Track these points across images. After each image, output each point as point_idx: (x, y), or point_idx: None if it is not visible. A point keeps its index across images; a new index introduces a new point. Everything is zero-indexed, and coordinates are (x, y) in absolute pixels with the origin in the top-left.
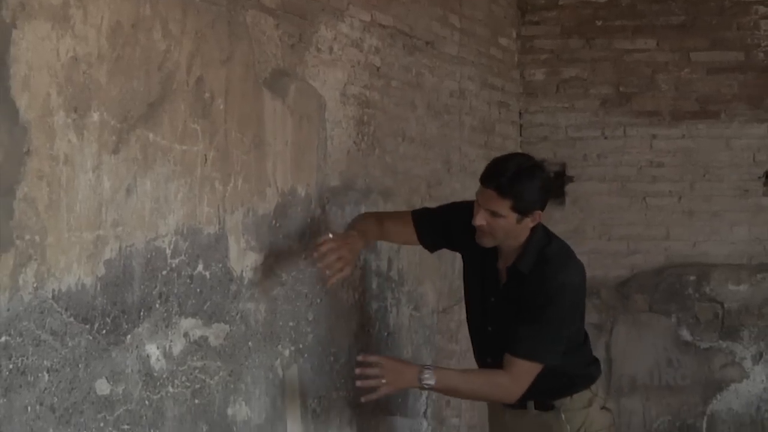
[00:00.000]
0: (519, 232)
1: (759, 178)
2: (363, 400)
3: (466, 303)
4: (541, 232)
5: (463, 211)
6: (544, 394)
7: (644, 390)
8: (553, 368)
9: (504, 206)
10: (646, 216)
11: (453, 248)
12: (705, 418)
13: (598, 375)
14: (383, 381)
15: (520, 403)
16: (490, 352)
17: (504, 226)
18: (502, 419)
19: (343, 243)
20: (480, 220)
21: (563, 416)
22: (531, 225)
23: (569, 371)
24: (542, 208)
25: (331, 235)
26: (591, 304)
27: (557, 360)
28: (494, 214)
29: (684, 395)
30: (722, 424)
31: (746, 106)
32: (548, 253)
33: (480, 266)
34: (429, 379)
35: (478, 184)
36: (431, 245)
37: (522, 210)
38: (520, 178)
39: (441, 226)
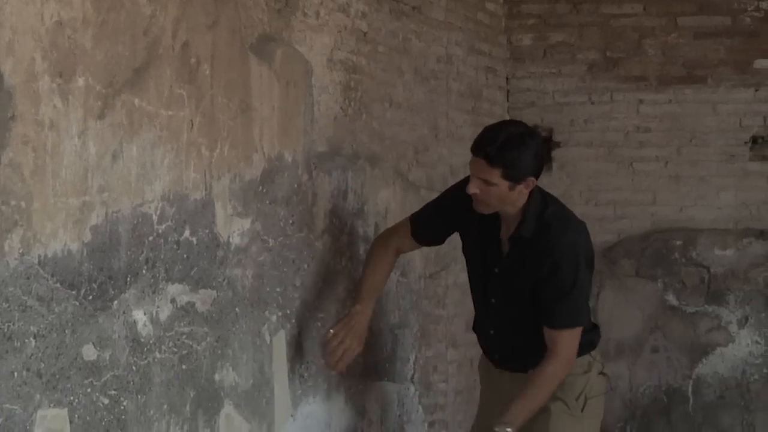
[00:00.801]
0: (514, 199)
1: (745, 143)
2: None
3: (469, 278)
4: (538, 197)
5: (454, 194)
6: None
7: (630, 354)
8: None
9: (494, 174)
10: (632, 181)
11: (454, 231)
12: (691, 382)
13: (598, 340)
14: None
15: (523, 368)
16: (492, 324)
17: (497, 194)
18: (500, 384)
19: (346, 332)
20: (473, 188)
21: (565, 381)
22: (525, 191)
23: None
24: (536, 175)
25: (332, 331)
26: None
27: (587, 320)
28: (486, 182)
29: (670, 360)
30: (708, 387)
31: (733, 70)
32: (548, 218)
33: (481, 239)
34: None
35: (466, 150)
36: (434, 242)
37: (513, 177)
38: (509, 146)
39: (438, 219)
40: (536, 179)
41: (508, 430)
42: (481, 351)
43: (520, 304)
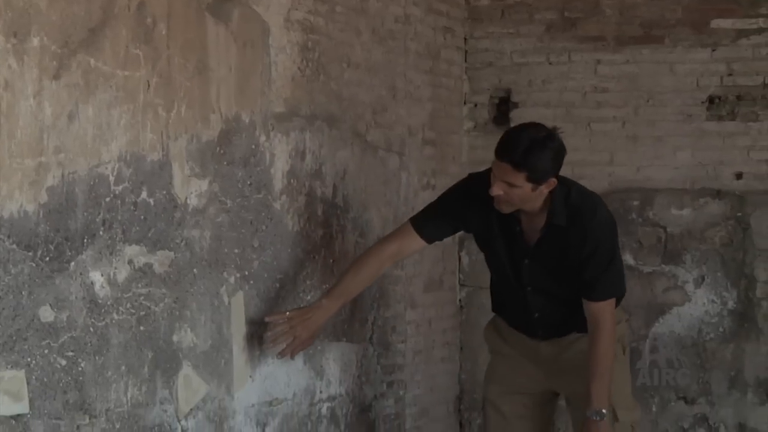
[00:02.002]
0: (535, 198)
1: (702, 102)
2: None
3: (494, 273)
4: (558, 185)
5: (459, 193)
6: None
7: None
8: None
9: (519, 178)
10: (590, 141)
11: (461, 229)
12: (647, 341)
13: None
14: None
15: (564, 335)
16: (535, 309)
17: (519, 195)
18: (537, 350)
19: (301, 321)
20: (497, 190)
21: None
22: (546, 191)
23: None
24: (556, 175)
25: (288, 314)
26: None
27: (625, 288)
28: (510, 184)
29: (627, 319)
30: (664, 347)
31: (690, 30)
32: (575, 202)
33: (502, 235)
34: (603, 412)
35: (424, 110)
36: (439, 239)
37: (536, 180)
38: (533, 150)
39: (445, 218)
40: (557, 178)
41: (603, 410)
42: (497, 320)
43: (561, 286)
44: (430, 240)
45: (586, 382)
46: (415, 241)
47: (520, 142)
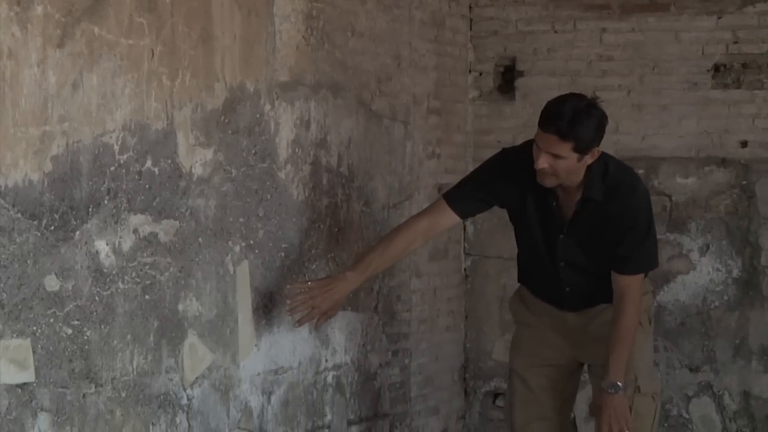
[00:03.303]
0: (579, 169)
1: (708, 71)
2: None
3: (525, 248)
4: (606, 167)
5: (495, 168)
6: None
7: None
8: None
9: (565, 149)
10: None
11: (496, 204)
12: (652, 309)
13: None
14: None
15: (593, 306)
16: (567, 283)
17: (565, 166)
18: (561, 317)
19: (323, 292)
20: (542, 163)
21: None
22: (590, 161)
23: None
24: (599, 144)
25: (309, 284)
26: None
27: (658, 262)
28: (556, 156)
29: None
30: (669, 315)
31: None
32: (614, 177)
33: (538, 210)
34: (620, 384)
35: (428, 79)
36: (473, 214)
37: (582, 150)
38: (579, 119)
39: (480, 193)
40: (599, 149)
41: (619, 383)
42: (522, 291)
43: (594, 262)
44: (464, 216)
45: (607, 353)
46: (448, 217)
47: (564, 112)
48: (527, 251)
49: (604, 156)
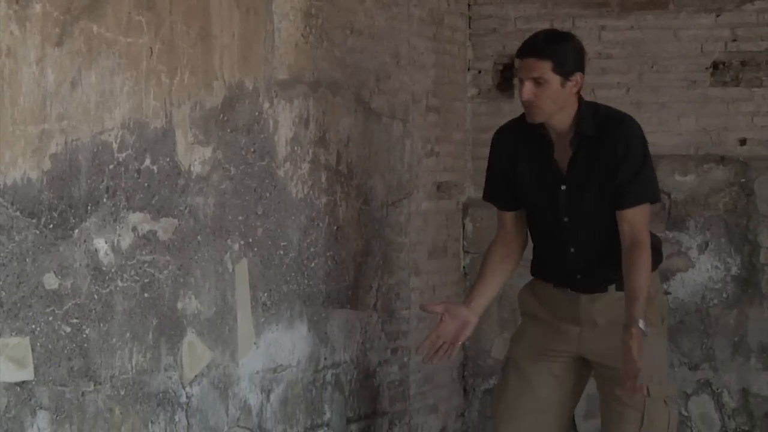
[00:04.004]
0: (565, 100)
1: (706, 68)
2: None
3: (534, 222)
4: (586, 102)
5: (497, 151)
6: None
7: None
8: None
9: (545, 68)
10: None
11: (516, 184)
12: (666, 310)
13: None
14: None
15: (604, 284)
16: (571, 243)
17: (549, 94)
18: (571, 304)
19: (449, 335)
20: (527, 93)
21: (649, 294)
22: (575, 90)
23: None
24: (582, 71)
25: (440, 316)
26: None
27: (660, 196)
28: (538, 81)
29: None
30: (668, 313)
31: None
32: (603, 113)
33: (537, 166)
34: (645, 326)
35: (427, 77)
36: (510, 205)
37: (562, 71)
38: (554, 39)
39: (501, 181)
40: (583, 77)
41: (646, 327)
42: (536, 279)
43: (598, 214)
44: (512, 208)
45: (626, 304)
46: (505, 216)
47: (538, 35)
48: (536, 223)
49: (594, 102)
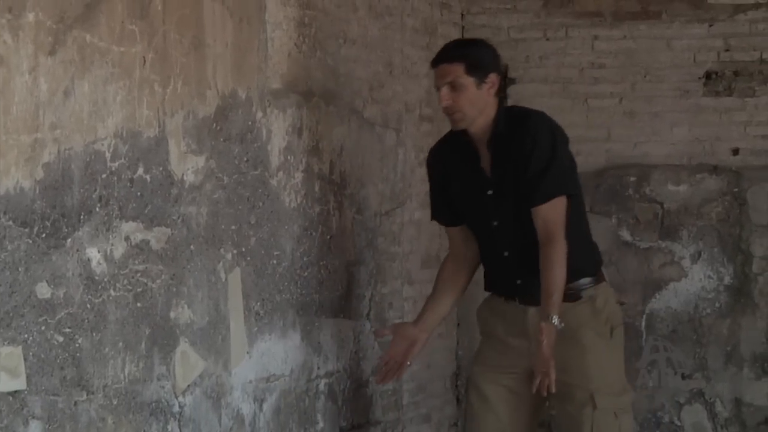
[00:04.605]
0: (484, 102)
1: (699, 78)
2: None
3: (476, 234)
4: (505, 105)
5: (429, 168)
6: (568, 277)
7: None
8: (570, 241)
9: (458, 71)
10: (587, 117)
11: (452, 198)
12: (644, 316)
13: (600, 256)
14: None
15: (537, 290)
16: (504, 247)
17: (467, 98)
18: (519, 318)
19: (398, 356)
20: (445, 99)
21: (595, 306)
22: (492, 92)
23: (583, 243)
24: (498, 72)
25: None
26: None
27: (576, 189)
28: (453, 86)
29: (624, 295)
30: (661, 322)
31: (687, 6)
32: (516, 110)
33: (467, 176)
34: (557, 320)
35: (420, 86)
36: (452, 220)
37: (476, 71)
38: (464, 43)
39: (441, 199)
40: (499, 79)
41: (557, 320)
42: (487, 296)
43: (523, 209)
44: (455, 224)
45: (541, 300)
46: (452, 232)
47: (449, 44)
48: (474, 232)
49: (513, 105)
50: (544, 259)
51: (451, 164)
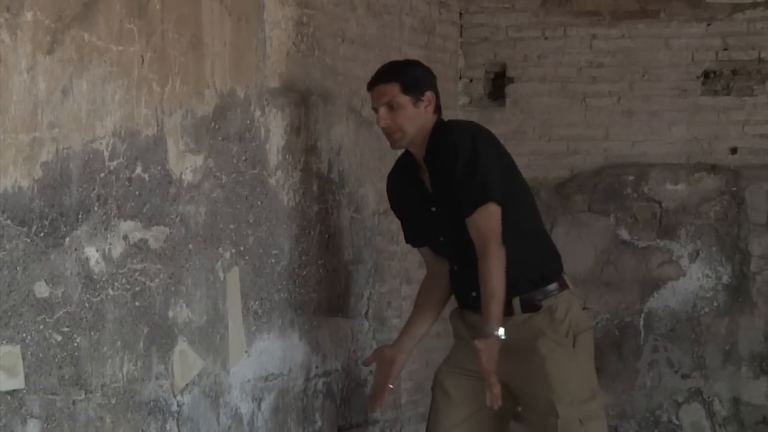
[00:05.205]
0: (422, 120)
1: (697, 77)
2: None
3: (428, 243)
4: (441, 122)
5: (391, 194)
6: (525, 286)
7: (583, 289)
8: (521, 250)
9: (394, 91)
10: (585, 116)
11: (408, 216)
12: (642, 315)
13: (560, 259)
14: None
15: (506, 308)
16: (454, 261)
17: (406, 116)
18: (482, 326)
19: (381, 379)
20: (383, 119)
21: (555, 316)
22: (429, 109)
23: (538, 251)
24: (433, 90)
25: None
26: None
27: (503, 196)
28: (391, 105)
29: (622, 294)
30: (659, 321)
31: (685, 5)
32: (445, 125)
33: (414, 197)
34: (500, 331)
35: None
36: (420, 240)
37: (411, 90)
38: (397, 64)
39: (404, 222)
40: (435, 96)
41: (499, 332)
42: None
43: (462, 223)
44: (420, 244)
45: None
46: (422, 252)
47: (383, 66)
48: (433, 248)
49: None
50: (480, 270)
51: (403, 185)
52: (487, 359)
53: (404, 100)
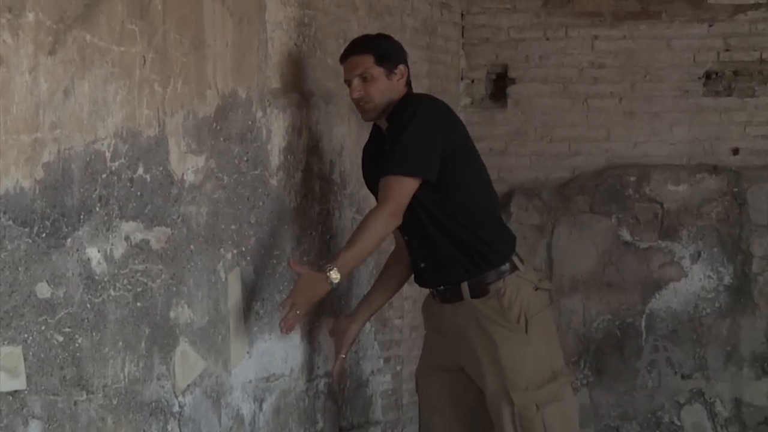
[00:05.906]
0: (395, 93)
1: (699, 78)
2: (285, 332)
3: None
4: (406, 94)
5: (363, 169)
6: (474, 270)
7: (584, 290)
8: (471, 230)
9: (368, 62)
10: (587, 117)
11: (373, 188)
12: (644, 316)
13: (514, 241)
14: (297, 310)
15: (454, 291)
16: (406, 232)
17: (379, 87)
18: (440, 316)
19: (338, 353)
20: (356, 91)
21: (503, 301)
22: (402, 82)
23: (484, 233)
24: (405, 63)
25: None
26: (532, 206)
27: (431, 175)
28: (364, 77)
29: (623, 294)
30: (660, 322)
31: (687, 5)
32: (406, 97)
33: (378, 168)
34: (335, 274)
35: (420, 87)
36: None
37: (386, 62)
38: (370, 36)
39: (370, 188)
40: (407, 70)
41: (337, 276)
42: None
43: (422, 201)
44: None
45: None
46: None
47: (356, 39)
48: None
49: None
50: (364, 218)
51: (370, 157)
52: (299, 291)
53: (378, 71)
